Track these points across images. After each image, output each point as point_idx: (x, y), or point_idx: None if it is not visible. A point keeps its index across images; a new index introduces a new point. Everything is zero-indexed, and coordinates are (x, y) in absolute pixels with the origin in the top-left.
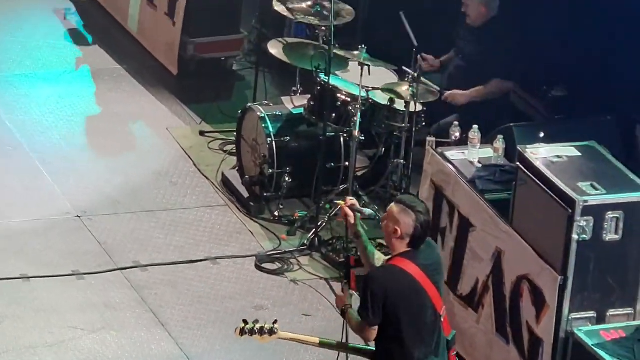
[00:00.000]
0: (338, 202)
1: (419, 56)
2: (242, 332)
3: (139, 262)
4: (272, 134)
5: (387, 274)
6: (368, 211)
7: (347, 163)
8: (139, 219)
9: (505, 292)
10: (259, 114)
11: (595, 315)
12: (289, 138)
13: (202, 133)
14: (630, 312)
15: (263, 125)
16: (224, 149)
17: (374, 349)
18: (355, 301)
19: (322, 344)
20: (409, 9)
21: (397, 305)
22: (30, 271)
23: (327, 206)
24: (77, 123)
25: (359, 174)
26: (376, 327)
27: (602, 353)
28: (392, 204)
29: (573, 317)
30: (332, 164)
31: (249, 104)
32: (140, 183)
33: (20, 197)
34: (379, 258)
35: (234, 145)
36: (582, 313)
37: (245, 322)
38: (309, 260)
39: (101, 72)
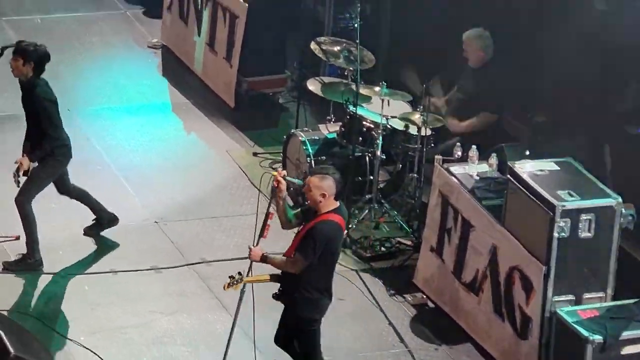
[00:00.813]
0: (273, 173)
1: (430, 86)
2: (228, 286)
3: (205, 258)
4: (311, 154)
5: (330, 228)
6: (297, 181)
7: (371, 177)
8: (205, 223)
9: (500, 279)
10: (300, 138)
11: (573, 298)
12: (324, 157)
13: (255, 154)
14: (602, 295)
15: (304, 147)
16: (273, 167)
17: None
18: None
19: (271, 277)
20: (420, 53)
21: (329, 249)
22: (117, 266)
23: (356, 211)
24: (154, 147)
25: (381, 185)
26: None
27: (579, 328)
28: (311, 178)
29: (555, 299)
30: (360, 178)
31: (292, 130)
32: (205, 195)
33: (108, 207)
34: (291, 214)
35: (281, 164)
36: (563, 296)
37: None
38: (343, 255)
39: (173, 105)
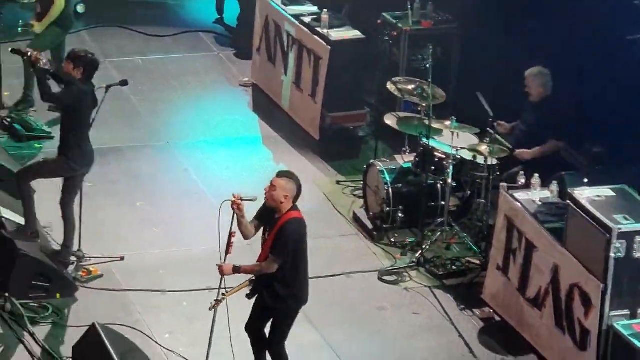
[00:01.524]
0: (231, 199)
1: (497, 122)
2: (212, 308)
3: None
4: (388, 182)
5: (297, 225)
6: (251, 196)
7: (442, 203)
8: None
9: (561, 296)
10: (378, 167)
11: (629, 312)
12: (400, 185)
13: (338, 182)
14: None
15: (382, 176)
16: (354, 194)
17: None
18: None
19: (249, 281)
20: (486, 89)
21: (301, 246)
22: (213, 284)
23: (429, 234)
24: (246, 176)
25: (451, 210)
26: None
27: (634, 341)
28: (277, 179)
29: (612, 314)
30: (432, 203)
31: (372, 161)
32: None
33: (202, 230)
34: (248, 224)
35: (362, 191)
36: (619, 311)
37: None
38: (417, 274)
39: (263, 138)
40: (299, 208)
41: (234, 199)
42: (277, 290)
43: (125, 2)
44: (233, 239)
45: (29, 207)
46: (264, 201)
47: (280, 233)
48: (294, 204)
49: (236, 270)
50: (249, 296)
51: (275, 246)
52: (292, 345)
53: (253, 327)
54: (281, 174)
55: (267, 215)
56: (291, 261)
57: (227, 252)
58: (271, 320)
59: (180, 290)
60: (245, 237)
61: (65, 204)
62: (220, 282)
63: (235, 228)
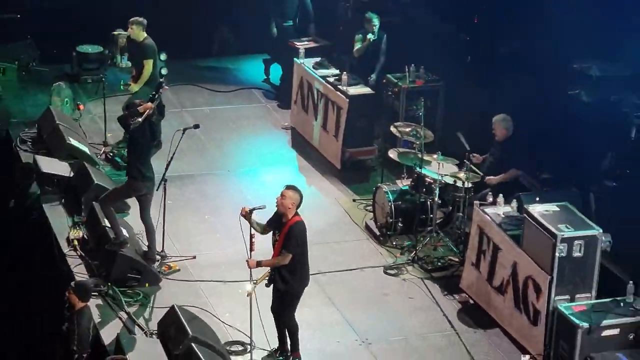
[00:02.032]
0: (242, 215)
1: (471, 155)
2: (248, 295)
3: (321, 270)
4: (391, 200)
5: (302, 226)
6: (262, 205)
7: (431, 215)
8: (321, 247)
9: (519, 285)
10: (384, 189)
11: (569, 297)
12: (400, 202)
13: (354, 200)
14: (589, 295)
15: (386, 196)
16: (366, 209)
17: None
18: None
19: (270, 272)
20: (464, 130)
21: (304, 242)
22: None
23: (421, 238)
24: None
25: (438, 221)
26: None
27: (573, 318)
28: (286, 190)
29: (557, 298)
30: (424, 216)
31: (379, 184)
32: (321, 228)
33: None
34: (262, 226)
35: (372, 206)
36: (562, 296)
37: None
38: (412, 268)
39: (299, 167)
40: (299, 214)
41: (241, 211)
42: (285, 276)
43: (197, 66)
44: (254, 240)
45: (114, 223)
46: (274, 211)
47: (289, 233)
48: (296, 210)
49: (259, 264)
50: (267, 284)
51: (286, 243)
52: (318, 322)
53: (273, 308)
54: (289, 187)
55: (276, 220)
56: (297, 254)
57: (251, 249)
58: (280, 297)
59: (236, 280)
60: (261, 233)
61: (143, 217)
62: (250, 274)
63: (254, 232)
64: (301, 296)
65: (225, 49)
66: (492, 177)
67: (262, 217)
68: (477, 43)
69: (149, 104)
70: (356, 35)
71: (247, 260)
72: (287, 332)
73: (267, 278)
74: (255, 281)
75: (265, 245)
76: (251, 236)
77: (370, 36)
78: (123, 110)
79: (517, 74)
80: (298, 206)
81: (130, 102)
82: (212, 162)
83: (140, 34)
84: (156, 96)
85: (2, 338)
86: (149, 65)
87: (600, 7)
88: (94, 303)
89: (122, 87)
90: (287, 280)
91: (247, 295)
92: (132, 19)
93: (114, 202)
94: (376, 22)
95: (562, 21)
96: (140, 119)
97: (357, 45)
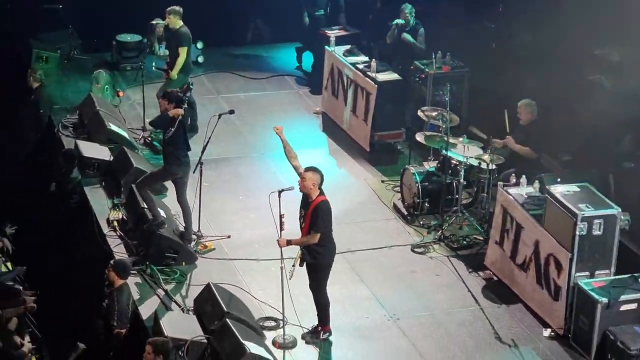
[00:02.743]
0: (275, 130)
1: (493, 140)
2: (290, 277)
3: (350, 248)
4: (418, 181)
5: (327, 205)
6: (290, 186)
7: (457, 196)
8: (350, 226)
9: (540, 261)
10: (411, 170)
11: (589, 273)
12: (427, 183)
13: (382, 181)
14: (607, 272)
15: (414, 177)
16: (394, 189)
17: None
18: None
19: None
20: (488, 116)
21: (330, 220)
22: (288, 255)
23: (447, 218)
24: None
25: (463, 202)
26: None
27: (592, 293)
28: (305, 172)
29: (577, 275)
30: (450, 197)
31: (406, 166)
32: (350, 207)
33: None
34: (297, 164)
35: (399, 187)
36: (582, 273)
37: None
38: (438, 247)
39: (330, 150)
40: (324, 193)
41: (275, 129)
42: (314, 250)
43: (232, 54)
44: (284, 219)
45: (151, 205)
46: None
47: (314, 212)
48: (320, 190)
49: (289, 242)
50: (300, 264)
51: (313, 223)
52: (348, 298)
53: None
54: (308, 169)
55: (303, 201)
56: (324, 232)
57: (281, 229)
58: (312, 272)
59: (269, 259)
60: (291, 160)
61: (180, 199)
62: (281, 252)
63: (284, 211)
64: (331, 268)
65: (259, 38)
66: (511, 140)
67: (294, 198)
68: (501, 31)
69: (179, 110)
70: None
71: (277, 240)
72: (317, 307)
73: (300, 258)
74: (293, 262)
75: (296, 225)
76: (281, 216)
77: (396, 21)
78: (157, 98)
79: (540, 60)
80: (320, 185)
81: (166, 90)
82: (247, 146)
83: (177, 22)
84: (185, 99)
85: (46, 316)
86: (183, 52)
87: None
88: (133, 281)
89: (154, 68)
90: (316, 254)
91: (290, 278)
92: (169, 8)
93: (151, 185)
94: (408, 10)
95: (583, 8)
96: (173, 128)
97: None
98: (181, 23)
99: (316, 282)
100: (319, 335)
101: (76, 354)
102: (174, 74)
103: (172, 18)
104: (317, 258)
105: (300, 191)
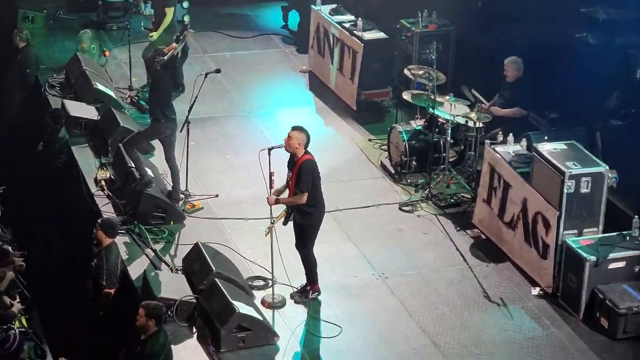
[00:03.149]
0: (268, 226)
1: (479, 104)
2: (267, 234)
3: (338, 207)
4: (405, 140)
5: (312, 164)
6: (280, 144)
7: (444, 154)
8: (337, 185)
9: (528, 220)
10: (398, 129)
11: (577, 231)
12: (414, 142)
13: (369, 140)
14: (595, 230)
15: (401, 135)
16: (381, 148)
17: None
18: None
19: (285, 211)
20: (474, 74)
21: (315, 177)
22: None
23: (435, 176)
24: None
25: (451, 160)
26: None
27: (580, 251)
28: (292, 132)
29: (565, 233)
30: (437, 155)
31: (393, 124)
32: (337, 166)
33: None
34: (283, 190)
35: (387, 146)
36: (570, 231)
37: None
38: (426, 205)
39: (316, 109)
40: (310, 152)
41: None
42: (303, 210)
43: (218, 13)
44: (273, 178)
45: (139, 165)
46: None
47: (299, 171)
48: (306, 150)
49: (277, 201)
50: (284, 223)
51: (298, 182)
52: (337, 257)
53: (297, 244)
54: (294, 128)
55: (290, 161)
56: (311, 189)
57: (271, 187)
58: (300, 232)
59: (257, 218)
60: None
61: (168, 158)
62: (270, 211)
63: (273, 169)
64: (319, 228)
65: None
66: (497, 108)
67: (282, 156)
68: None
69: (174, 44)
70: None
71: (267, 198)
72: (305, 266)
73: (284, 217)
74: (273, 219)
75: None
76: (271, 174)
77: None
78: (142, 57)
79: (526, 18)
80: (306, 145)
81: (154, 49)
82: (233, 105)
83: None
84: (181, 37)
85: (39, 275)
86: (170, 12)
87: None
88: (121, 241)
89: (142, 28)
90: (305, 214)
91: (266, 235)
92: None
93: (138, 144)
94: None
95: None
96: (165, 57)
97: None
98: None
99: (302, 241)
100: (307, 294)
101: None
102: (156, 34)
103: None
104: (306, 218)
105: (286, 150)
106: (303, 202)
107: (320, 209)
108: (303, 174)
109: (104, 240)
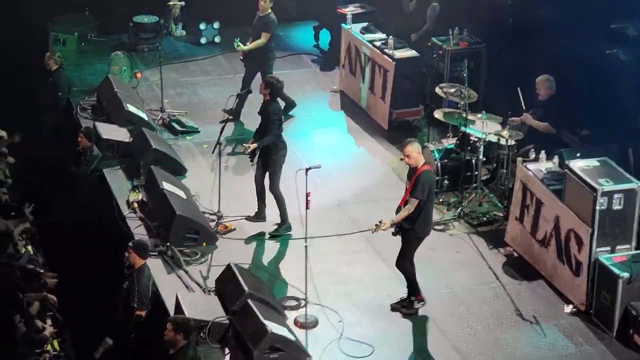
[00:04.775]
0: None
1: (510, 119)
2: (374, 230)
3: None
4: (437, 158)
5: (429, 174)
6: (318, 164)
7: (476, 172)
8: (369, 205)
9: (561, 237)
10: (430, 147)
11: (609, 248)
12: (446, 160)
13: (401, 159)
14: (628, 247)
15: (433, 154)
16: None
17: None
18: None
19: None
20: (505, 92)
21: (430, 190)
22: (315, 233)
23: (467, 195)
24: (336, 155)
25: (483, 178)
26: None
27: (613, 269)
28: (404, 149)
29: (598, 250)
30: (469, 173)
31: (425, 143)
32: (369, 186)
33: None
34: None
35: None
36: (602, 248)
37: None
38: (458, 224)
39: (348, 128)
40: (430, 161)
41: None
42: (413, 218)
43: (249, 33)
44: (309, 198)
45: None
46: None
47: (417, 179)
48: (424, 160)
49: (392, 224)
50: (394, 233)
51: (413, 189)
52: (369, 276)
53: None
54: (403, 145)
55: (410, 172)
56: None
57: (307, 207)
58: (405, 239)
59: (293, 238)
60: None
61: (272, 189)
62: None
63: (310, 189)
64: (422, 241)
65: (276, 16)
66: (529, 117)
67: (326, 175)
68: (518, 6)
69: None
70: None
71: (376, 225)
72: (406, 278)
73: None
74: (379, 225)
75: (320, 203)
76: (307, 194)
77: None
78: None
79: (557, 35)
80: (420, 156)
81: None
82: None
83: (266, 8)
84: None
85: (67, 298)
86: (264, 38)
87: None
88: (153, 263)
89: (235, 44)
90: (411, 222)
91: (373, 232)
92: None
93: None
94: None
95: None
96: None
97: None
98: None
99: (406, 249)
100: (412, 304)
101: (104, 348)
102: (245, 47)
103: (264, 3)
104: (413, 224)
105: (409, 165)
106: (412, 209)
107: (427, 222)
108: (421, 182)
109: (137, 261)
